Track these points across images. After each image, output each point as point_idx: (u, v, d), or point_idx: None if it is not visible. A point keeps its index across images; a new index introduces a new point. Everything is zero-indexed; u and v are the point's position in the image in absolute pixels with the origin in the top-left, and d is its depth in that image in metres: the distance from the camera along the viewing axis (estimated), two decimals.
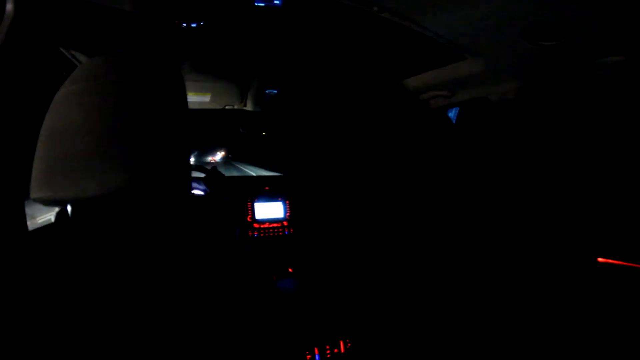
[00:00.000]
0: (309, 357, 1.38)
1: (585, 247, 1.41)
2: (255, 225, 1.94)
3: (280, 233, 1.98)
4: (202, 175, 1.70)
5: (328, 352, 1.42)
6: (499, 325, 1.58)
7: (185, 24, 1.33)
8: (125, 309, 0.56)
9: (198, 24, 1.36)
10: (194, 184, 1.74)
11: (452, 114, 1.91)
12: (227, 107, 1.90)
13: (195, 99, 1.77)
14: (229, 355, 0.89)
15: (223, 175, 1.71)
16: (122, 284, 0.57)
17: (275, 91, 1.74)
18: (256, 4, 1.64)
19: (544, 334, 1.44)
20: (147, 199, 0.58)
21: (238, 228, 1.34)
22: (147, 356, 0.57)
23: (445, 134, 1.95)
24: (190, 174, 0.67)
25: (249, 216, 1.94)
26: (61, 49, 1.18)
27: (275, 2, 1.66)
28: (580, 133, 1.53)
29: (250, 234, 1.93)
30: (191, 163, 1.71)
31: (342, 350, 1.47)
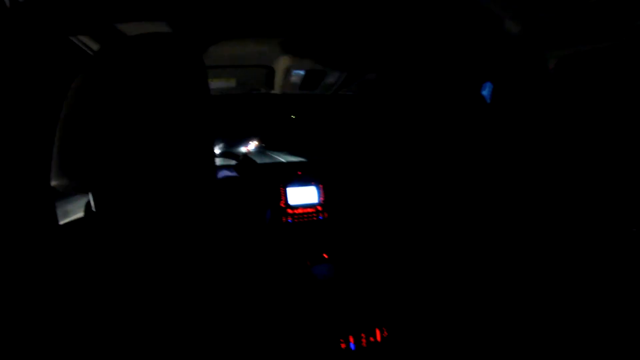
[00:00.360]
0: (343, 344, 1.34)
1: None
2: (289, 211, 1.92)
3: (314, 218, 1.95)
4: (234, 162, 1.69)
5: (364, 340, 1.37)
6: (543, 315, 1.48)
7: None
8: (156, 297, 0.55)
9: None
10: (226, 172, 1.74)
11: (486, 91, 1.77)
12: (253, 92, 1.87)
13: (220, 84, 1.75)
14: (261, 340, 0.86)
15: (255, 161, 1.70)
16: (151, 272, 0.56)
17: (302, 72, 1.68)
18: None
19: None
20: (172, 185, 0.56)
21: (269, 210, 1.32)
22: (182, 338, 0.56)
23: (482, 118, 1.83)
24: (213, 161, 0.65)
25: (282, 201, 1.92)
26: (71, 38, 1.18)
27: None
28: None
29: (284, 219, 1.90)
30: (223, 150, 1.70)
31: (379, 339, 1.42)
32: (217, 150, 1.71)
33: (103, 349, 0.49)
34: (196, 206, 0.70)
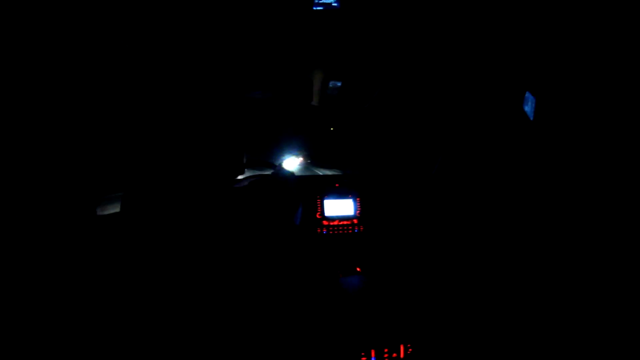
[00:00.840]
0: (364, 358, 1.31)
1: None
2: (325, 223, 1.94)
3: (350, 231, 1.95)
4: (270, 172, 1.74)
5: (386, 355, 1.33)
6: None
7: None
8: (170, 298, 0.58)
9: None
10: (264, 181, 1.80)
11: (528, 107, 1.70)
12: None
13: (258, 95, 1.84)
14: (284, 348, 0.88)
15: (292, 172, 1.74)
16: (170, 273, 0.59)
17: (339, 83, 1.72)
18: (315, 8, 1.67)
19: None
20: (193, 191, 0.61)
21: (300, 210, 1.34)
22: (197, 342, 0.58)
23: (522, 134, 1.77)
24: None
25: (318, 213, 1.94)
26: None
27: (333, 4, 1.68)
28: None
29: (319, 230, 1.92)
30: (261, 160, 1.76)
31: (402, 355, 1.37)
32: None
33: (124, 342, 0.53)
34: (218, 212, 0.74)
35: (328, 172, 2.41)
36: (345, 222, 1.95)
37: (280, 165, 1.63)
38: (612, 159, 1.42)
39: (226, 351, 0.76)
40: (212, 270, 0.67)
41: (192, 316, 0.59)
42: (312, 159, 2.72)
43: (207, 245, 0.67)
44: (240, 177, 1.75)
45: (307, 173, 2.44)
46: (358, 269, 1.87)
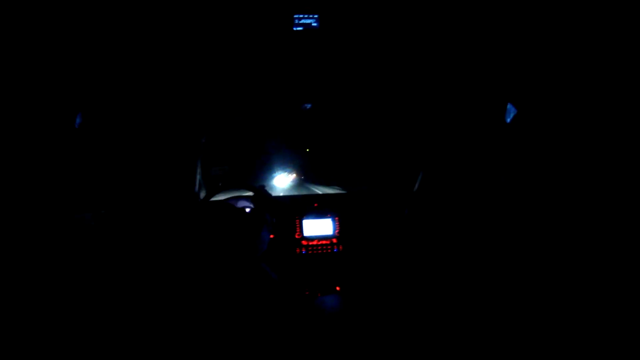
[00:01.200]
0: None
1: None
2: (304, 243, 1.96)
3: (329, 250, 1.97)
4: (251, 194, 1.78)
5: None
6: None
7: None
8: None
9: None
10: (245, 202, 1.82)
11: (510, 119, 1.76)
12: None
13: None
14: None
15: (269, 194, 1.78)
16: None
17: (309, 106, 1.79)
18: (295, 29, 1.73)
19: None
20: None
21: (267, 236, 1.36)
22: None
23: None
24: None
25: (297, 233, 1.97)
26: None
27: (312, 24, 1.73)
28: None
29: (297, 251, 1.94)
30: (242, 182, 1.78)
31: None
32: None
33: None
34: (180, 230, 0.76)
35: (321, 189, 2.44)
36: (324, 242, 1.98)
37: (262, 186, 1.66)
38: (604, 162, 1.46)
39: None
40: (171, 292, 0.70)
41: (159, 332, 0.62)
42: (305, 175, 2.73)
43: (166, 265, 0.70)
44: (219, 198, 1.79)
45: (300, 190, 2.47)
46: (337, 288, 1.88)
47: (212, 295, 0.87)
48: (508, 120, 1.82)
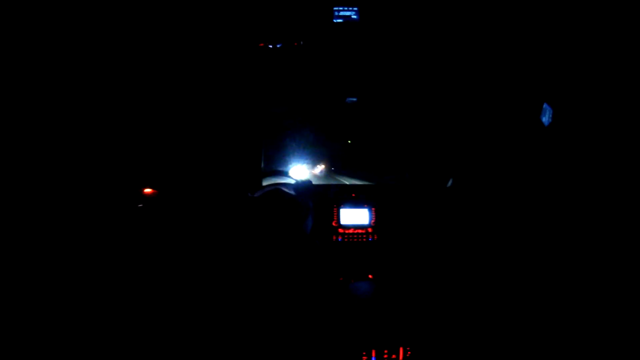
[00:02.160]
0: (365, 358, 1.40)
1: None
2: (340, 231, 2.04)
3: (364, 239, 2.04)
4: (293, 181, 1.87)
5: (386, 356, 1.42)
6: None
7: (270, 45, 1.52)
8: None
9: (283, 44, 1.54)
10: (285, 190, 1.92)
11: (546, 118, 1.75)
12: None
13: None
14: (290, 347, 0.99)
15: (310, 182, 1.87)
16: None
17: (355, 99, 1.85)
18: (335, 21, 1.78)
19: None
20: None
21: (310, 222, 1.45)
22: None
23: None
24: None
25: (334, 221, 2.04)
26: None
27: (352, 17, 1.78)
28: None
29: (334, 238, 2.02)
30: (284, 172, 1.89)
31: (401, 357, 1.46)
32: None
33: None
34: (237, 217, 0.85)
35: (349, 181, 2.51)
36: (360, 231, 2.05)
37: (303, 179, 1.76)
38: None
39: (236, 350, 0.87)
40: (223, 273, 0.79)
41: (202, 319, 0.70)
42: (335, 167, 2.82)
43: (220, 251, 0.79)
44: (263, 183, 1.89)
45: (329, 181, 2.55)
46: (370, 276, 1.95)
47: (263, 274, 0.96)
48: (544, 119, 1.82)
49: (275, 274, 1.00)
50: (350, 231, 2.04)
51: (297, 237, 1.18)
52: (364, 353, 1.39)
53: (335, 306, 1.28)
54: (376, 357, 1.41)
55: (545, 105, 1.82)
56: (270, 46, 1.83)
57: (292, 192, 1.88)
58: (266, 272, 0.98)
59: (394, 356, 1.43)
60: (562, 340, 1.49)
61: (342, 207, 2.08)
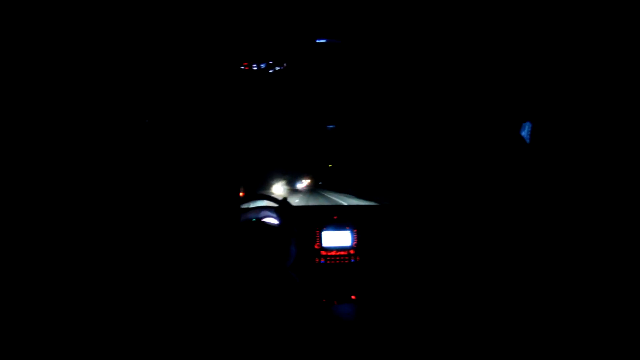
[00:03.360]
0: None
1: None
2: (323, 253, 2.07)
3: (346, 261, 2.07)
4: (276, 205, 1.89)
5: None
6: None
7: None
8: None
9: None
10: (267, 212, 1.94)
11: (525, 132, 1.83)
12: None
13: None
14: None
15: (292, 205, 1.89)
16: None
17: (334, 126, 1.90)
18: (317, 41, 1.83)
19: None
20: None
21: (293, 249, 1.47)
22: None
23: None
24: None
25: (317, 244, 2.07)
26: None
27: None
28: None
29: (317, 260, 2.05)
30: (267, 195, 1.89)
31: None
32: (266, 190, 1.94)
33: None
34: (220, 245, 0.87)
35: (335, 196, 2.54)
36: (342, 253, 2.08)
37: (284, 199, 1.77)
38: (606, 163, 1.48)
39: None
40: (203, 299, 0.80)
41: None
42: (325, 182, 2.83)
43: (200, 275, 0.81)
44: (248, 206, 1.90)
45: (315, 196, 2.57)
46: (353, 297, 1.98)
47: (244, 304, 0.98)
48: (524, 134, 1.88)
49: (256, 303, 1.02)
50: (333, 253, 2.07)
51: (279, 268, 1.20)
52: None
53: (318, 329, 1.30)
54: None
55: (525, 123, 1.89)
56: (255, 67, 1.87)
57: (275, 220, 1.90)
58: (247, 302, 1.00)
59: None
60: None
61: (325, 230, 2.12)
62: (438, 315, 1.86)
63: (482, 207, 2.06)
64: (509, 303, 1.77)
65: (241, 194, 2.13)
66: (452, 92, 2.09)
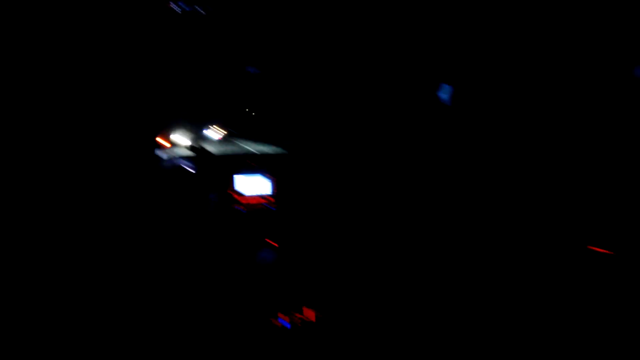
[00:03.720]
0: (278, 322, 1.47)
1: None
2: (241, 201, 2.06)
3: (265, 207, 2.10)
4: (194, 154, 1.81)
5: (299, 320, 1.50)
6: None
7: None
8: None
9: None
10: (183, 161, 1.85)
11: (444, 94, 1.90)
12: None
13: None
14: (197, 318, 0.99)
15: (211, 153, 1.82)
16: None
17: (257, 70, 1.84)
18: None
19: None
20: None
21: (213, 196, 1.43)
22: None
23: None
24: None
25: (234, 192, 2.06)
26: None
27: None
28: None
29: (235, 208, 2.04)
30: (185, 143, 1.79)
31: (313, 319, 1.55)
32: (178, 138, 1.82)
33: None
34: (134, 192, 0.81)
35: (252, 145, 2.48)
36: (260, 200, 2.10)
37: (202, 148, 1.69)
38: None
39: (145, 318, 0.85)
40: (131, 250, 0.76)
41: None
42: (239, 130, 2.75)
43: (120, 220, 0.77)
44: (165, 155, 1.78)
45: (230, 146, 2.50)
46: (272, 244, 2.00)
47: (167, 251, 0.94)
48: (443, 96, 1.94)
49: (179, 248, 0.99)
50: (251, 201, 2.08)
51: (198, 211, 1.17)
52: (274, 318, 1.46)
53: (240, 275, 1.31)
54: (289, 321, 1.48)
55: (444, 85, 1.94)
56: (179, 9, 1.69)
57: (188, 164, 1.81)
58: (171, 248, 0.96)
59: (303, 317, 1.51)
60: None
61: (242, 177, 2.09)
62: (356, 260, 1.96)
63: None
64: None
65: (168, 144, 1.97)
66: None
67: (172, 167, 1.42)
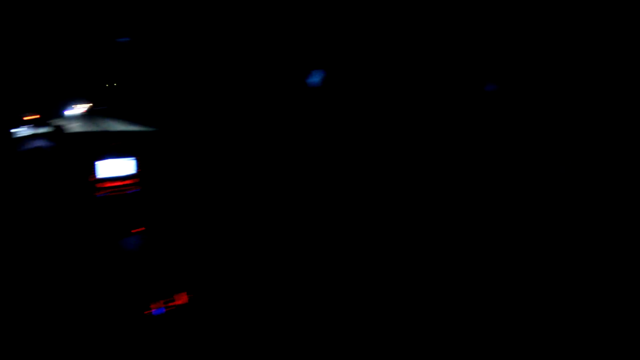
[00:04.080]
0: (149, 311, 1.44)
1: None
2: (102, 184, 1.94)
3: (128, 191, 2.00)
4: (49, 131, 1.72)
5: (172, 304, 1.49)
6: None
7: None
8: None
9: None
10: (40, 142, 1.73)
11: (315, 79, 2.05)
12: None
13: None
14: (65, 314, 1.07)
15: (65, 132, 1.76)
16: None
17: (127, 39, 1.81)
18: None
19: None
20: None
21: (70, 186, 1.40)
22: None
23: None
24: None
25: (93, 175, 1.94)
26: None
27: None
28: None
29: (96, 193, 1.93)
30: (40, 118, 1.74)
31: (182, 301, 1.53)
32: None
33: None
34: None
35: (115, 124, 2.35)
36: (122, 183, 1.98)
37: (58, 126, 1.63)
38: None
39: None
40: None
41: None
42: (104, 108, 2.59)
43: None
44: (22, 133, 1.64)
45: (91, 125, 2.35)
46: (139, 229, 1.92)
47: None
48: (313, 80, 2.07)
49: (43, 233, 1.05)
50: (112, 184, 1.96)
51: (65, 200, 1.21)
52: (147, 308, 1.42)
53: (107, 263, 1.34)
54: (162, 306, 1.46)
55: (313, 72, 2.02)
56: None
57: (45, 144, 1.74)
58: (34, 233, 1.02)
59: (179, 302, 1.50)
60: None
61: (102, 159, 1.96)
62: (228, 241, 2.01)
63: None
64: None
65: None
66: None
67: (25, 149, 1.40)
